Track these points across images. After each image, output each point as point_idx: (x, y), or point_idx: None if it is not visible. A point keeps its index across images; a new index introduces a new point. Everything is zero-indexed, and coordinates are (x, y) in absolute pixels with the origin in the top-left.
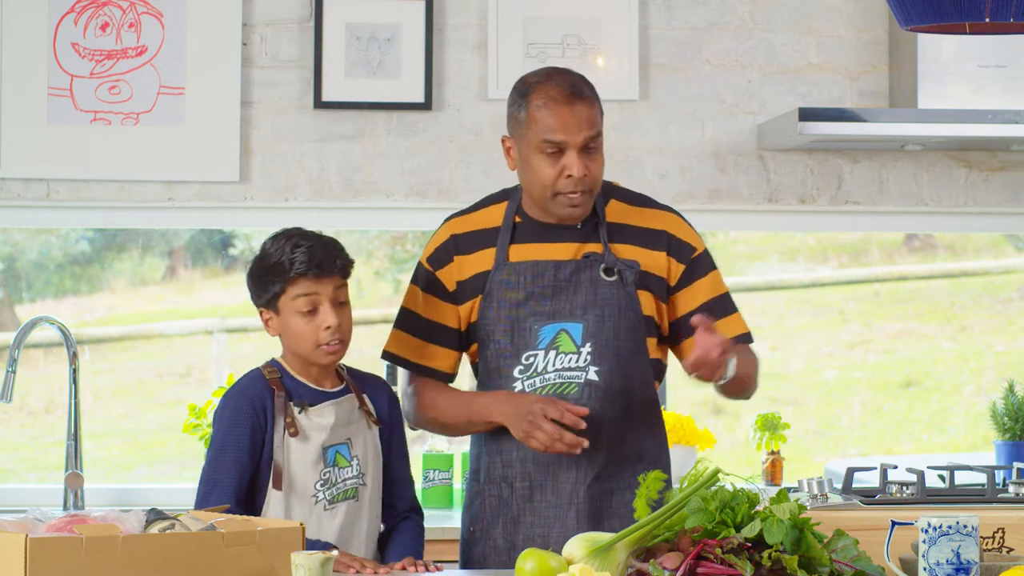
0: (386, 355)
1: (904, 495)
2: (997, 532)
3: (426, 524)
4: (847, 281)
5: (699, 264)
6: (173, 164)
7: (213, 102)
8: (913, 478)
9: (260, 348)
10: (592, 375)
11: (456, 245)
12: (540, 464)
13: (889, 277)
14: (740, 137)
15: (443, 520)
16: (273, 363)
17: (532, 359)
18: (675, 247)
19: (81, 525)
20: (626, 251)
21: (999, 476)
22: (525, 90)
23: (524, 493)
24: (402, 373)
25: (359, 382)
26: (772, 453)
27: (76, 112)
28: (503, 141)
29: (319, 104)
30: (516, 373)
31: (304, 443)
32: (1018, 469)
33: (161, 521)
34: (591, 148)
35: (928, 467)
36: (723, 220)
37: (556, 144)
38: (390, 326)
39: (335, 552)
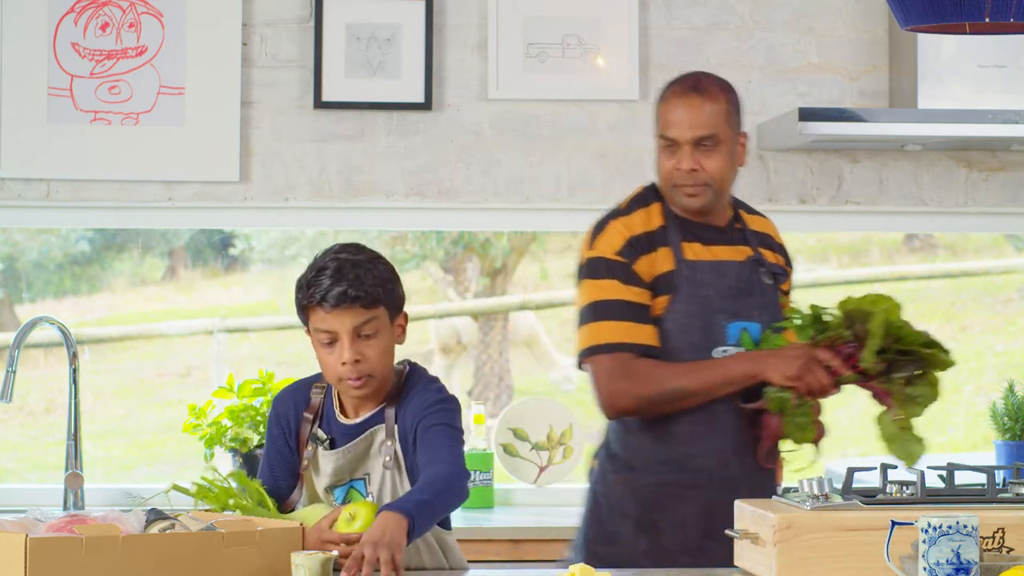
0: (586, 352)
1: (904, 495)
2: (997, 532)
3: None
4: (847, 281)
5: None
6: (173, 164)
7: (213, 102)
8: (913, 478)
9: (260, 348)
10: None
11: (637, 244)
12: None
13: (889, 277)
14: None
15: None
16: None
17: (723, 355)
18: (781, 251)
19: (81, 525)
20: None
21: (999, 476)
22: (666, 86)
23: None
24: (604, 364)
25: (406, 395)
26: None
27: (76, 112)
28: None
29: (319, 104)
30: None
31: (317, 477)
32: (1018, 469)
33: (161, 521)
34: (705, 147)
35: (928, 467)
36: None
37: (669, 139)
38: None
39: (335, 552)
